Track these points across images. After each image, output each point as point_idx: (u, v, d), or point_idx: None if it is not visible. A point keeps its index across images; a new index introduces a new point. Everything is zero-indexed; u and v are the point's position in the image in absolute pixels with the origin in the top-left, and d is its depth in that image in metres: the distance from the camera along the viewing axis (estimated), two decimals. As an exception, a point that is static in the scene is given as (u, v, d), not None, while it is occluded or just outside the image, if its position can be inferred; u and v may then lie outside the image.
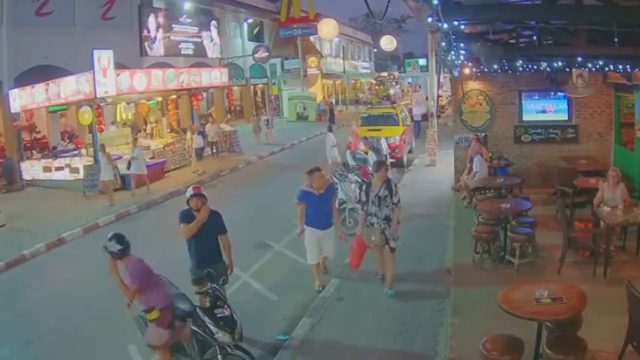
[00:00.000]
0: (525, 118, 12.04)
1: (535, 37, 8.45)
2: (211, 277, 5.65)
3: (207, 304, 5.29)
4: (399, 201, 6.97)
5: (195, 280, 5.83)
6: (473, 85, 12.25)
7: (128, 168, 14.28)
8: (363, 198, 7.02)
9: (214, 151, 19.61)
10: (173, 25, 24.70)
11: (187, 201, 6.02)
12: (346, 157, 13.63)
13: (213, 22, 28.14)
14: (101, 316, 7.19)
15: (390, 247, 6.91)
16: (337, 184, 10.64)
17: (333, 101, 37.70)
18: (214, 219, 6.02)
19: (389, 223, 6.85)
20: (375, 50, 55.49)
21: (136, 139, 15.52)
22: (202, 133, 17.68)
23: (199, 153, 17.11)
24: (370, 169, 12.27)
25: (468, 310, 6.21)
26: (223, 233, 6.08)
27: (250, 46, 31.24)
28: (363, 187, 7.09)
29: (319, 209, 7.32)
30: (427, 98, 19.29)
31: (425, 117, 19.93)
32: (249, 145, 21.76)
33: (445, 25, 5.76)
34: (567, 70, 9.88)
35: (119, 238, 5.18)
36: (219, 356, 5.11)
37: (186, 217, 5.97)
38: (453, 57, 9.84)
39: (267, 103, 35.78)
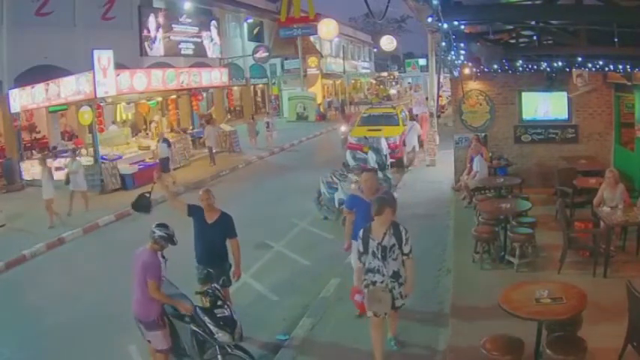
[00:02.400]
0: (525, 117, 12.05)
1: (535, 37, 8.45)
2: (211, 276, 5.68)
3: (207, 304, 5.30)
4: (410, 251, 5.17)
5: (200, 280, 5.90)
6: (473, 85, 12.25)
7: (67, 183, 12.57)
8: (361, 248, 5.15)
9: (213, 153, 19.16)
10: (173, 25, 24.71)
11: None
12: (346, 156, 13.64)
13: (213, 22, 28.15)
14: (101, 317, 7.20)
15: (396, 307, 5.30)
16: (337, 184, 10.67)
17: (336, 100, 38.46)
18: (223, 221, 5.99)
19: (398, 280, 5.15)
20: (375, 50, 55.53)
21: (75, 150, 13.42)
22: (168, 142, 15.90)
23: (165, 164, 15.19)
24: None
25: (468, 310, 6.21)
26: (232, 237, 6.03)
27: (250, 46, 31.25)
28: (360, 234, 5.19)
29: (364, 217, 5.69)
30: (427, 98, 19.30)
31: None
32: (249, 145, 21.77)
33: (445, 25, 5.76)
34: (567, 70, 9.88)
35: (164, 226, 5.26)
36: (219, 356, 5.12)
37: (194, 207, 6.05)
38: (453, 57, 9.83)
39: (267, 103, 35.80)
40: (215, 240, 5.96)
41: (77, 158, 13.39)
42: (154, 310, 5.15)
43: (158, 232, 5.16)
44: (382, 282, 5.11)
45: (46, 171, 12.00)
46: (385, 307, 5.12)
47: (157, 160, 15.57)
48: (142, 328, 5.23)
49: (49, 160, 16.36)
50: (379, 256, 5.06)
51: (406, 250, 5.13)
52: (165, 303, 5.22)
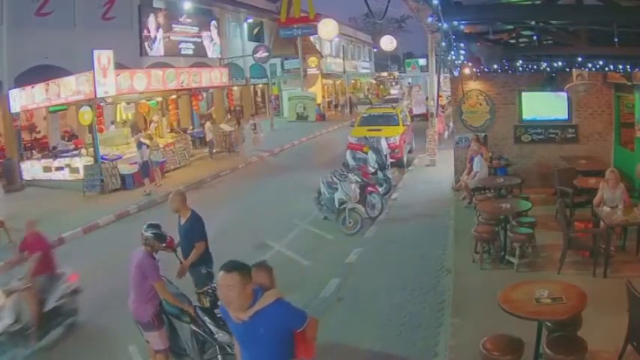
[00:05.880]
0: (525, 117, 12.05)
1: (535, 37, 8.44)
2: (211, 276, 5.68)
3: (207, 304, 5.30)
4: None
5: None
6: (473, 85, 12.24)
7: None
8: None
9: (212, 151, 19.69)
10: (173, 25, 24.70)
11: None
12: (346, 156, 13.64)
13: (213, 22, 28.13)
14: (101, 317, 7.20)
15: None
16: (337, 184, 10.66)
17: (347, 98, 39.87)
18: (191, 223, 5.92)
19: None
20: (375, 50, 55.53)
21: None
22: (142, 145, 14.98)
23: (145, 169, 14.81)
24: (370, 168, 12.27)
25: (468, 310, 6.21)
26: (196, 240, 5.86)
27: (250, 46, 31.22)
28: None
29: (249, 353, 3.40)
30: (427, 98, 19.29)
31: (425, 117, 19.95)
32: (249, 145, 21.73)
33: (445, 25, 5.75)
34: (567, 70, 9.87)
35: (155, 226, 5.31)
36: (219, 356, 5.12)
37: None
38: (453, 57, 9.84)
39: (267, 103, 35.82)
40: (184, 241, 5.90)
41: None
42: (149, 311, 5.15)
43: (147, 233, 5.18)
44: None
45: None
46: None
47: (139, 166, 15.05)
48: (140, 328, 5.24)
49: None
50: None
51: None
52: (172, 304, 5.22)
